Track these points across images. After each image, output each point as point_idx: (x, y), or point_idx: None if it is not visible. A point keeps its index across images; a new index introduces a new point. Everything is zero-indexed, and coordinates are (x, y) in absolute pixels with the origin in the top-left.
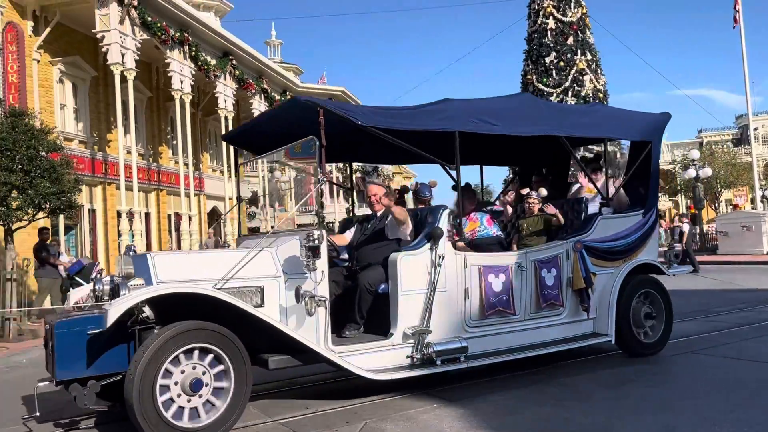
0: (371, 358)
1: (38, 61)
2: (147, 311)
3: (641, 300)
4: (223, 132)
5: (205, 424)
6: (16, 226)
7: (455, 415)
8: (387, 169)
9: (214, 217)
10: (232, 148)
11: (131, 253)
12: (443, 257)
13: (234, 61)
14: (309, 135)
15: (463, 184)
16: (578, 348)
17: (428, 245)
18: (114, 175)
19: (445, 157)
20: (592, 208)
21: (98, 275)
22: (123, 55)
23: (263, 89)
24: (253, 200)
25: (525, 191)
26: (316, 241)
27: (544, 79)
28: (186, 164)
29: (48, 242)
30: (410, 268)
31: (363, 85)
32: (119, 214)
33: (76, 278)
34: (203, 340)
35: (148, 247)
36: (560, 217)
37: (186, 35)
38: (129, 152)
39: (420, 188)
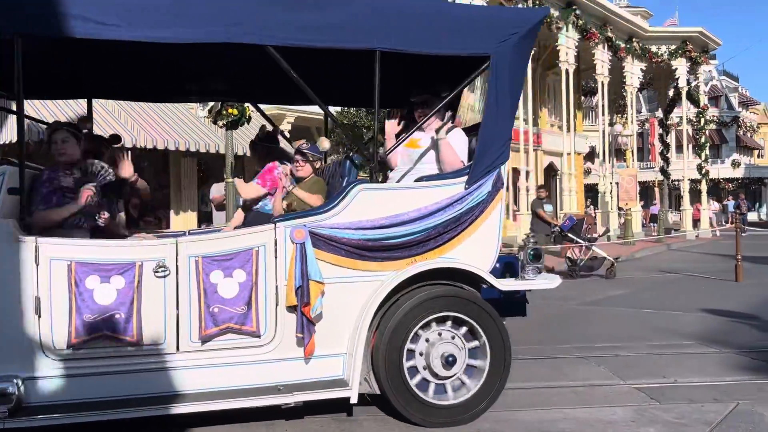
0: None
1: None
2: None
3: (443, 330)
4: (564, 86)
5: None
6: None
7: None
8: None
9: (550, 172)
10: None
11: None
12: None
13: (578, 11)
14: None
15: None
16: None
17: None
18: None
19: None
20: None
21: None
22: None
23: (607, 38)
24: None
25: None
26: None
27: None
28: (525, 120)
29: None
30: None
31: (728, 20)
32: None
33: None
34: None
35: None
36: (303, 195)
37: None
38: (472, 110)
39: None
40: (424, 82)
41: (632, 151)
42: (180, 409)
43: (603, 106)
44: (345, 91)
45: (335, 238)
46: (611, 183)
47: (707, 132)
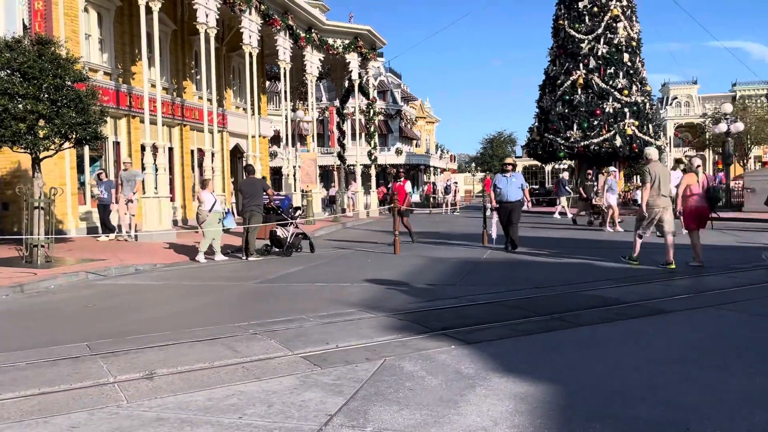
0: None
1: None
2: None
3: None
4: (248, 69)
5: None
6: (44, 155)
7: (472, 356)
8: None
9: (237, 154)
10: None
11: None
12: None
13: None
14: None
15: None
16: None
17: None
18: (138, 108)
19: None
20: None
21: None
22: None
23: (288, 26)
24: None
25: None
26: None
27: (576, 25)
28: (209, 100)
29: None
30: None
31: (392, 24)
32: (143, 148)
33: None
34: None
35: (171, 183)
36: None
37: None
38: (153, 85)
39: None
40: None
41: (313, 137)
42: None
43: (286, 92)
44: None
45: None
46: (294, 166)
47: (376, 122)
